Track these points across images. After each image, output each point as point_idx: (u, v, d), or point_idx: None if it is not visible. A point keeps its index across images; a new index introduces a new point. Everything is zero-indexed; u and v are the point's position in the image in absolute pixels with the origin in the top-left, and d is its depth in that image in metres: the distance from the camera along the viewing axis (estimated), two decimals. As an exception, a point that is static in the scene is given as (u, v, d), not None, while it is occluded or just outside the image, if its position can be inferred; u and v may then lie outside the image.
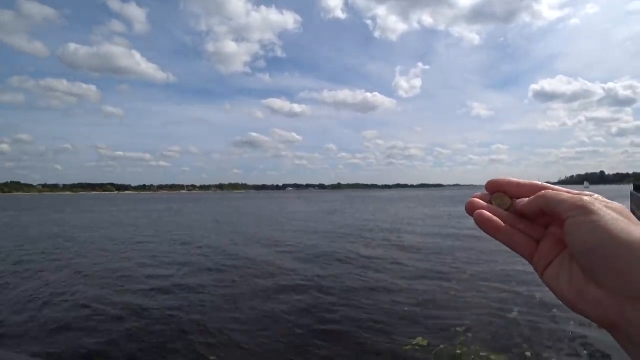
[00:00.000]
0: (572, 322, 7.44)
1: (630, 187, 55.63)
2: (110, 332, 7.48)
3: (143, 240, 20.33)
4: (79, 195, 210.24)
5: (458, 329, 7.21)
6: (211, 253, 16.24)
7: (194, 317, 8.26)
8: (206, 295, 9.93)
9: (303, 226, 27.44)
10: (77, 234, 23.58)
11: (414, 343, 6.62)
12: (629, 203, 41.26)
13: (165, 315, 8.39)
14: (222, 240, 20.04)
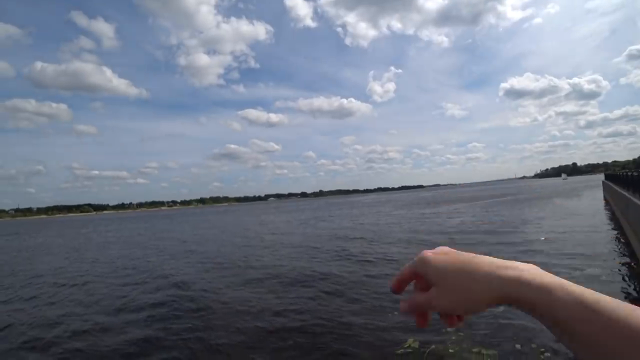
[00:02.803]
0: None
1: (602, 176, 59.28)
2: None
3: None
4: (55, 218, 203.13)
5: (448, 327, 7.20)
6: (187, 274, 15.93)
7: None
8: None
9: (281, 238, 27.22)
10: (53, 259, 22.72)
11: (405, 346, 6.59)
12: (601, 190, 43.02)
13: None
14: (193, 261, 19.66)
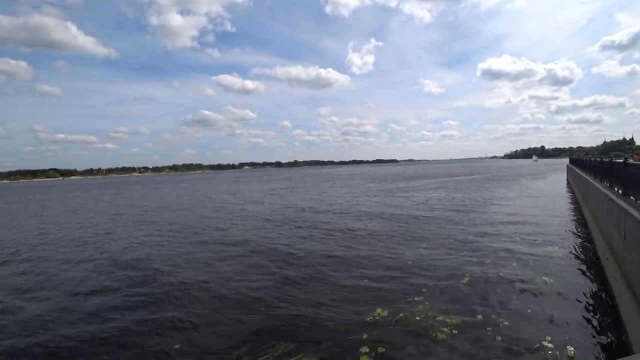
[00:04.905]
0: (517, 285, 8.09)
1: (567, 160, 62.51)
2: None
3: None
4: (19, 184, 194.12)
5: (416, 298, 7.59)
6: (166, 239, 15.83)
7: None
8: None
9: (247, 211, 27.23)
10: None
11: (375, 315, 6.90)
12: (565, 174, 45.01)
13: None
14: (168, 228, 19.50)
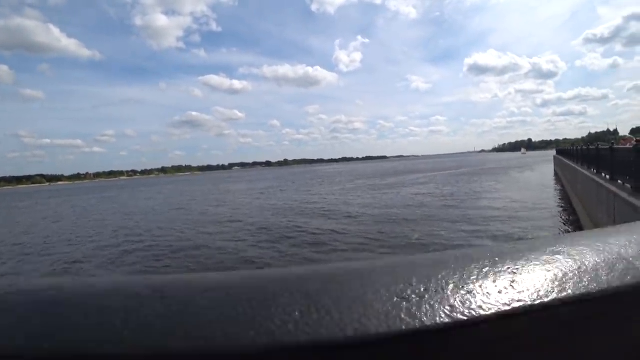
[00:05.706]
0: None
1: (554, 152, 63.52)
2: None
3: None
4: (3, 191, 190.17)
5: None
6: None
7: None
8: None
9: (231, 211, 26.96)
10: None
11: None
12: (552, 165, 45.43)
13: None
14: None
